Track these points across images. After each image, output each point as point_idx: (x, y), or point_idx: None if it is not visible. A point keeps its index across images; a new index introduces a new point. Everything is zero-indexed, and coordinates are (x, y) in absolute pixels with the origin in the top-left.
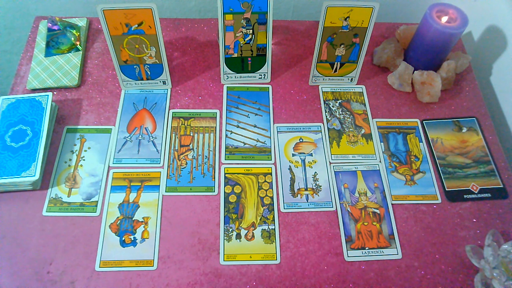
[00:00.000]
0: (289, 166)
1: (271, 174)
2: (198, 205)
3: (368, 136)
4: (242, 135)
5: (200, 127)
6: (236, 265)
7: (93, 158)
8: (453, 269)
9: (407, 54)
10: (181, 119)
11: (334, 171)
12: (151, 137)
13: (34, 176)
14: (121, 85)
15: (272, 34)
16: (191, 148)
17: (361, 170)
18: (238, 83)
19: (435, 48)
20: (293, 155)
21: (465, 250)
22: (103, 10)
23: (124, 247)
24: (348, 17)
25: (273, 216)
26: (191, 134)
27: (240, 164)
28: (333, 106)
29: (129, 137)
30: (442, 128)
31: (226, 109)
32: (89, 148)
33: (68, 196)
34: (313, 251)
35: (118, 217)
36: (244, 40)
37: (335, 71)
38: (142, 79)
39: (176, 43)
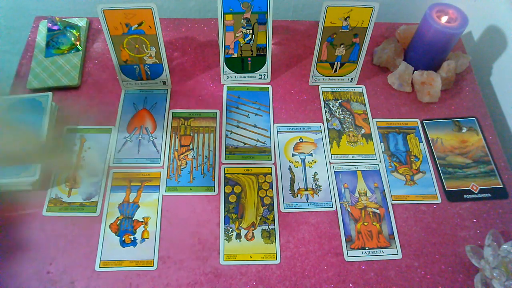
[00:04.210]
0: (289, 166)
1: (271, 174)
2: (198, 205)
3: (368, 136)
4: (242, 135)
5: (200, 127)
6: (236, 265)
7: (93, 158)
8: (453, 269)
9: (407, 54)
10: (181, 119)
11: (334, 171)
12: (151, 137)
13: (34, 176)
14: (121, 85)
15: (272, 34)
16: (191, 148)
17: (361, 170)
18: (238, 83)
19: (435, 48)
20: (293, 155)
21: (465, 250)
22: (103, 10)
23: (124, 247)
24: (348, 17)
25: (273, 216)
26: (191, 134)
27: (240, 164)
28: (333, 106)
29: (129, 137)
30: (442, 128)
31: (226, 109)
32: (89, 148)
33: (68, 196)
34: (313, 251)
35: (118, 217)
36: (244, 40)
37: (335, 71)
38: (142, 79)
39: (176, 43)
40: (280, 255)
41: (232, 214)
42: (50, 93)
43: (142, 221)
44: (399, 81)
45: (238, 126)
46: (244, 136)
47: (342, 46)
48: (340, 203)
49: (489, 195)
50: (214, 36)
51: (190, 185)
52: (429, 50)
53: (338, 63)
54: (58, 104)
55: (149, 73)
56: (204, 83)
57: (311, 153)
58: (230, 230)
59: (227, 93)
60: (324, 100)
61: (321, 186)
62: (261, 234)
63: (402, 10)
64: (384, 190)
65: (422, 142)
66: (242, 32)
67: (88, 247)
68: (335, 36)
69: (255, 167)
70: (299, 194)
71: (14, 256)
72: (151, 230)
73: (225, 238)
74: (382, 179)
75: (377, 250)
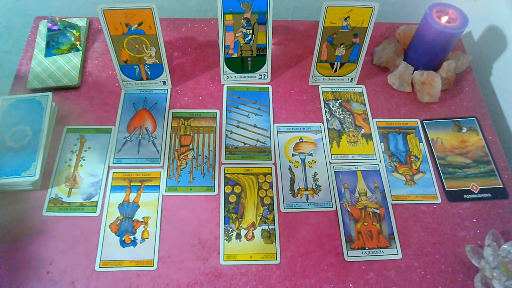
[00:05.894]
0: (289, 166)
1: (271, 174)
2: (198, 205)
3: (368, 136)
4: (242, 135)
5: (200, 127)
6: (236, 265)
7: (93, 158)
8: (453, 269)
9: (407, 54)
10: (181, 119)
11: (334, 171)
12: (151, 137)
13: (34, 176)
14: (121, 85)
15: (272, 34)
16: (191, 148)
17: (361, 170)
18: (238, 83)
19: (435, 48)
20: (293, 155)
21: (465, 250)
22: (103, 10)
23: (124, 247)
24: (348, 17)
25: (273, 216)
26: (191, 134)
27: (240, 164)
28: (333, 106)
29: (129, 137)
30: (442, 128)
31: (226, 109)
32: (89, 148)
33: (68, 196)
34: (313, 251)
35: (118, 217)
36: (244, 40)
37: (335, 71)
38: (142, 79)
39: (176, 43)
40: (280, 255)
41: (232, 214)
42: (50, 93)
43: (142, 221)
44: (399, 81)
45: (238, 126)
46: (244, 136)
47: (342, 46)
48: (340, 203)
49: (489, 195)
50: (214, 36)
51: (190, 185)
52: (429, 50)
53: (338, 63)
54: (58, 104)
55: (149, 73)
56: (204, 83)
57: (311, 153)
58: (230, 230)
59: (227, 93)
60: (324, 100)
61: (321, 186)
62: (261, 234)
63: (402, 10)
64: (384, 190)
65: (422, 142)
66: (242, 32)
67: (88, 247)
68: (335, 36)
69: (255, 167)
70: (299, 194)
71: (14, 256)
72: (151, 230)
73: (225, 238)
74: (382, 179)
75: (377, 250)
